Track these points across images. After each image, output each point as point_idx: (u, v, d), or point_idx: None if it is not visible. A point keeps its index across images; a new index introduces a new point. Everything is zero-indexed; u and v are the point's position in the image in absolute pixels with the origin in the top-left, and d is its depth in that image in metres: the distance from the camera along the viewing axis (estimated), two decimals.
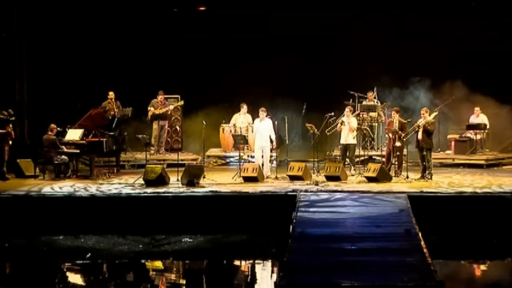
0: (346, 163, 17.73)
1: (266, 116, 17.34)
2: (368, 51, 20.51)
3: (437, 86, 20.58)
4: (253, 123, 18.67)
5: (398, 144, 16.75)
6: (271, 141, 17.34)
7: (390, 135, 17.07)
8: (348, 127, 17.55)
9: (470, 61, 20.26)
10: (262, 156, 17.35)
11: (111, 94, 19.18)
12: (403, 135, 16.79)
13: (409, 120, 17.21)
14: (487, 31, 20.37)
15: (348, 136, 17.61)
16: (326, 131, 17.75)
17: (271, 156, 18.06)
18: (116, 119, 18.33)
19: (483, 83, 19.96)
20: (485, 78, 19.95)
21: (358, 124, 19.03)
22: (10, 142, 17.32)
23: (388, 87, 20.68)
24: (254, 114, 18.72)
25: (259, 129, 17.31)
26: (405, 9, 20.53)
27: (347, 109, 17.96)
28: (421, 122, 16.38)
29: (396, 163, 17.09)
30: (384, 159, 17.65)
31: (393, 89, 20.69)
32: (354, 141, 17.87)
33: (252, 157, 18.70)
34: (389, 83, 20.67)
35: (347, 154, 17.77)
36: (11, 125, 17.36)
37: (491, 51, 20.36)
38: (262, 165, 17.20)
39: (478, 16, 20.23)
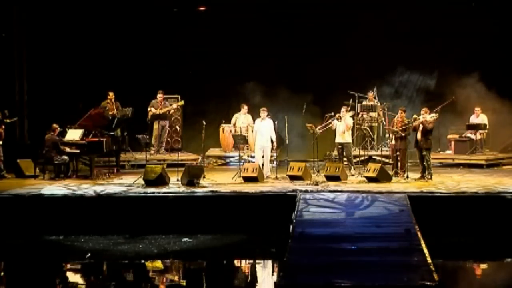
0: (344, 162, 17.72)
1: (266, 116, 17.34)
2: (369, 51, 20.49)
3: (437, 86, 20.58)
4: (253, 123, 18.69)
5: (393, 142, 16.84)
6: (272, 141, 17.34)
7: (391, 134, 17.06)
8: (343, 125, 17.50)
9: (472, 60, 20.28)
10: (263, 156, 17.35)
11: (111, 95, 19.22)
12: (403, 134, 16.80)
13: (409, 120, 17.20)
14: (488, 30, 20.39)
15: (344, 135, 17.58)
16: (317, 128, 17.64)
17: (271, 156, 18.05)
18: (116, 119, 18.34)
19: (484, 83, 19.97)
20: (486, 78, 19.96)
21: (358, 124, 19.05)
22: (0, 142, 17.33)
23: (388, 87, 20.68)
24: (254, 114, 18.72)
25: (260, 129, 17.32)
26: (405, 8, 20.55)
27: (343, 109, 17.93)
28: (419, 118, 16.36)
29: (399, 163, 17.08)
30: (389, 160, 17.61)
31: (393, 88, 20.68)
32: (350, 140, 17.84)
33: (252, 157, 18.70)
34: (389, 83, 20.67)
35: (344, 153, 17.76)
36: (3, 126, 17.36)
37: (492, 50, 20.38)
38: (262, 165, 17.20)
39: (478, 15, 20.26)
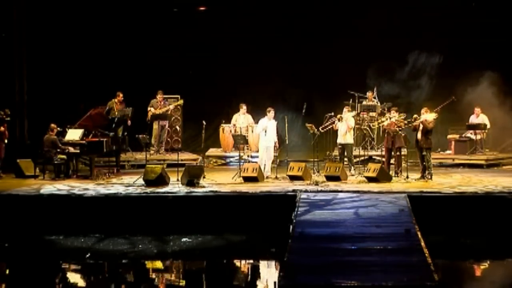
0: (345, 163, 17.73)
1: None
2: (369, 51, 20.49)
3: (437, 85, 20.57)
4: (253, 123, 18.71)
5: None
6: (275, 141, 17.34)
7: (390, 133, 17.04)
8: (345, 126, 17.51)
9: (472, 60, 20.29)
10: None
11: (121, 96, 19.14)
12: (402, 134, 16.84)
13: (409, 120, 17.20)
14: (488, 30, 20.41)
15: (346, 136, 17.59)
16: (320, 128, 17.68)
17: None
18: (116, 119, 18.35)
19: (485, 83, 19.96)
20: (486, 77, 19.95)
21: (358, 124, 19.03)
22: (6, 141, 17.34)
23: (388, 86, 20.66)
24: (254, 114, 18.72)
25: (266, 129, 17.33)
26: (405, 8, 20.57)
27: (345, 109, 17.95)
28: (419, 118, 16.38)
29: (396, 163, 17.11)
30: (384, 159, 17.65)
31: (393, 89, 20.66)
32: (352, 141, 17.86)
33: (252, 157, 18.73)
34: (389, 82, 20.66)
35: (345, 154, 17.77)
36: (6, 125, 17.37)
37: (492, 50, 20.39)
38: (265, 164, 17.20)
39: (479, 15, 20.29)
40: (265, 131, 17.21)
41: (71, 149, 17.08)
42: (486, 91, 19.90)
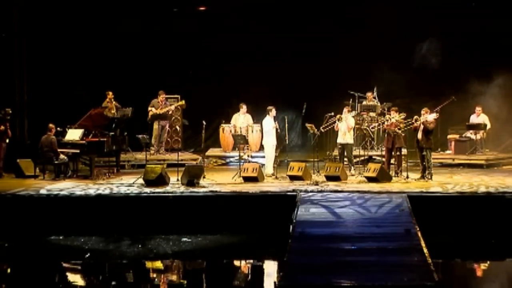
0: (345, 163, 17.73)
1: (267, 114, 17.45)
2: (369, 51, 20.49)
3: (437, 85, 20.58)
4: (253, 123, 18.72)
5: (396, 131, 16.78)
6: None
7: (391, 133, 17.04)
8: (345, 126, 17.53)
9: (472, 59, 20.29)
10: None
11: (110, 94, 19.24)
12: (402, 134, 16.86)
13: (408, 120, 17.20)
14: (488, 30, 20.41)
15: (346, 136, 17.60)
16: (321, 128, 17.69)
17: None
18: (116, 119, 18.35)
19: (485, 83, 19.97)
20: (487, 77, 19.96)
21: (358, 124, 19.04)
22: (7, 141, 17.34)
23: (389, 87, 20.69)
24: (254, 114, 18.72)
25: (264, 127, 17.38)
26: (405, 8, 20.57)
27: (345, 109, 17.97)
28: (420, 119, 16.39)
29: (396, 163, 17.13)
30: (384, 159, 17.65)
31: (394, 89, 20.67)
32: (352, 141, 17.87)
33: (252, 157, 18.74)
34: (389, 83, 20.68)
35: (345, 154, 17.78)
36: (8, 124, 17.37)
37: (492, 50, 20.39)
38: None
39: (479, 15, 20.29)
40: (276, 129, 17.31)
41: (68, 151, 17.05)
42: (487, 90, 19.92)
